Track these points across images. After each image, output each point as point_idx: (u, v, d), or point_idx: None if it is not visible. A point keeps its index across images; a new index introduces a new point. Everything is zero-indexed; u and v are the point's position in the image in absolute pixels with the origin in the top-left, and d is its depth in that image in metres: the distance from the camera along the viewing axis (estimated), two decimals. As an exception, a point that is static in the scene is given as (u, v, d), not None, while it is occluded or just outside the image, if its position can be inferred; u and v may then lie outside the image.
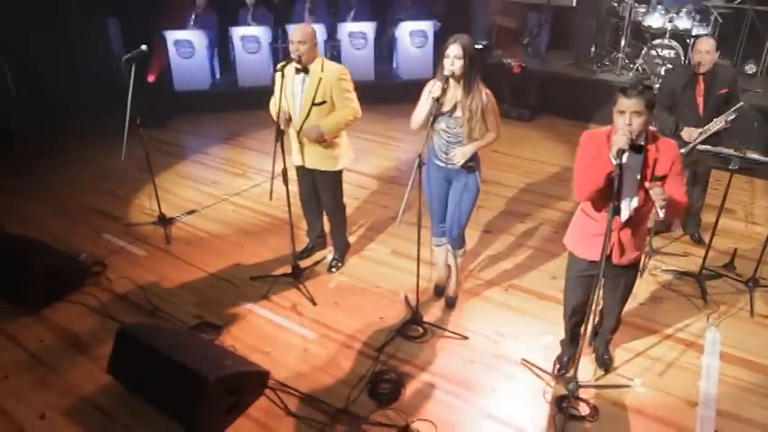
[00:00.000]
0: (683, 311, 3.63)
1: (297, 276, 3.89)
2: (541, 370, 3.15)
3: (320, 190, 3.86)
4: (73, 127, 6.75)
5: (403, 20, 7.36)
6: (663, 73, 6.42)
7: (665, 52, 6.43)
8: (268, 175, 5.33)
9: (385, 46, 7.84)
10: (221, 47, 7.48)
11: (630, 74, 6.75)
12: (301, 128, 3.60)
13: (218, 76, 7.49)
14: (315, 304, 3.72)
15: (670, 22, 6.44)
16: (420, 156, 2.98)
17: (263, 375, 3.01)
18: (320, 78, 3.46)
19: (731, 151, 3.49)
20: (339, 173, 3.82)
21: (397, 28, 7.34)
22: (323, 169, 3.73)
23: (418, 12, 7.59)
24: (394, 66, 7.78)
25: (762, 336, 3.43)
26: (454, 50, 2.98)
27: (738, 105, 3.75)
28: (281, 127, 3.47)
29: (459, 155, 3.17)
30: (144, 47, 4.20)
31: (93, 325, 3.54)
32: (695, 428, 2.81)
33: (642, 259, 3.34)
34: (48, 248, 3.94)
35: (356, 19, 7.45)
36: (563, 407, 2.87)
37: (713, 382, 3.09)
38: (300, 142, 3.68)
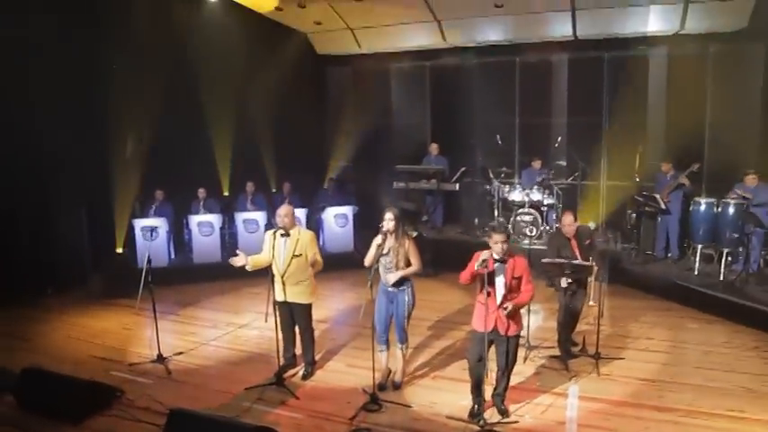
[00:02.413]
0: (553, 377, 5.59)
1: (280, 383, 5.46)
2: (460, 419, 4.88)
3: (296, 317, 5.65)
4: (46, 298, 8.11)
5: (326, 207, 9.80)
6: (527, 235, 9.13)
7: (527, 218, 9.23)
8: (235, 326, 7.13)
9: (313, 227, 10.10)
10: (176, 232, 9.39)
11: (505, 235, 9.43)
12: (285, 272, 5.49)
13: (173, 255, 9.28)
14: (297, 398, 5.27)
15: (527, 196, 9.35)
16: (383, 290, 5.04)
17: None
18: (297, 239, 5.50)
19: (562, 260, 5.75)
20: (310, 305, 5.68)
21: (323, 212, 9.74)
22: (300, 302, 5.57)
23: (338, 201, 10.12)
24: (321, 242, 10.01)
25: (605, 384, 5.42)
26: (389, 215, 5.17)
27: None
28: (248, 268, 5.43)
29: (392, 277, 5.20)
30: (158, 226, 6.08)
31: (128, 427, 4.82)
32: (564, 435, 4.63)
33: (520, 337, 5.33)
34: (76, 378, 5.26)
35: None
36: (481, 433, 4.60)
37: (574, 409, 4.98)
38: (284, 283, 5.53)
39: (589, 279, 6.13)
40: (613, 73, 9.74)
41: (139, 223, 8.75)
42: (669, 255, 8.54)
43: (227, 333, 6.99)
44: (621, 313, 7.19)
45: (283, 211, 5.53)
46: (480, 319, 4.72)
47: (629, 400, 5.11)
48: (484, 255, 4.55)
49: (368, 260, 5.28)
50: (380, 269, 5.28)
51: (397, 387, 5.43)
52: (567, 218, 6.01)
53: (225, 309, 7.96)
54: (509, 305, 4.58)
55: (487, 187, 9.98)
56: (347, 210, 9.78)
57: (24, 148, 7.68)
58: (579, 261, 5.75)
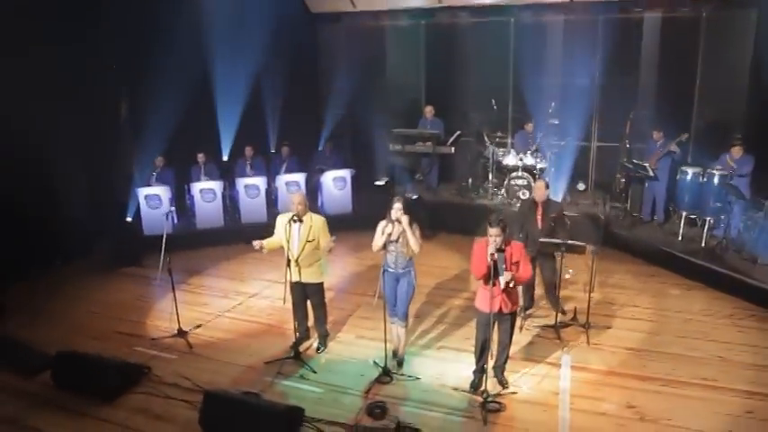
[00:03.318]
0: (547, 347, 6.18)
1: (297, 357, 5.98)
2: (466, 391, 5.46)
3: (310, 295, 6.10)
4: (57, 266, 8.43)
5: (324, 170, 10.09)
6: (520, 198, 9.57)
7: (520, 182, 9.63)
8: (245, 296, 7.56)
9: (311, 189, 10.39)
10: (178, 198, 9.66)
11: (498, 197, 9.86)
12: (299, 257, 5.88)
13: (176, 221, 9.57)
14: (314, 372, 5.81)
15: (520, 161, 9.72)
16: (388, 271, 5.52)
17: (301, 412, 5.02)
18: (311, 225, 5.86)
19: (559, 240, 6.27)
20: (322, 283, 6.12)
21: (322, 176, 10.04)
22: (314, 281, 6.01)
23: (335, 162, 10.39)
24: (319, 204, 10.35)
25: (594, 354, 6.02)
26: (398, 205, 5.54)
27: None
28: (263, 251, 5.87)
29: (402, 261, 5.63)
30: (173, 208, 6.40)
31: (160, 404, 5.34)
32: (558, 405, 5.23)
33: (519, 320, 5.88)
34: (107, 358, 5.72)
35: (288, 170, 10.09)
36: (484, 405, 5.17)
37: (567, 380, 5.58)
38: (298, 265, 5.93)
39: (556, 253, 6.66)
40: (608, 35, 9.90)
41: (143, 192, 9.01)
42: (655, 218, 9.07)
43: (239, 303, 7.45)
44: (610, 279, 7.75)
45: (297, 198, 5.86)
46: (485, 302, 5.20)
47: (616, 370, 5.73)
48: (490, 250, 4.99)
49: (375, 246, 5.68)
50: (388, 255, 5.69)
51: (400, 364, 5.95)
52: (540, 183, 6.62)
53: (231, 276, 8.40)
54: (508, 275, 5.02)
55: (482, 150, 10.30)
56: (345, 173, 10.08)
57: (23, 119, 7.76)
58: (573, 242, 6.25)
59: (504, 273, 5.01)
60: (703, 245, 7.93)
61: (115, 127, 9.11)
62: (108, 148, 8.92)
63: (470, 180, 10.66)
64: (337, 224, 9.80)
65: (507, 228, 5.16)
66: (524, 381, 5.62)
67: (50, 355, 5.84)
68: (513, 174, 9.72)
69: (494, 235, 5.02)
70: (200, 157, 9.67)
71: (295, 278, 6.00)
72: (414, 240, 5.56)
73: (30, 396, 5.50)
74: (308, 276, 6.00)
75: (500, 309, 5.18)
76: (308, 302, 6.21)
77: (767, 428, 4.81)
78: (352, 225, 9.87)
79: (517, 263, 5.17)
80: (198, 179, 9.62)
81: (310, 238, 5.87)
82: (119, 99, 9.14)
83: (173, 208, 6.41)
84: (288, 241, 5.81)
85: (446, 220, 9.88)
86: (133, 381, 5.61)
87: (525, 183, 9.60)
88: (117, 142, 9.08)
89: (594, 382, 5.56)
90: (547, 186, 6.66)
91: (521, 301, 6.22)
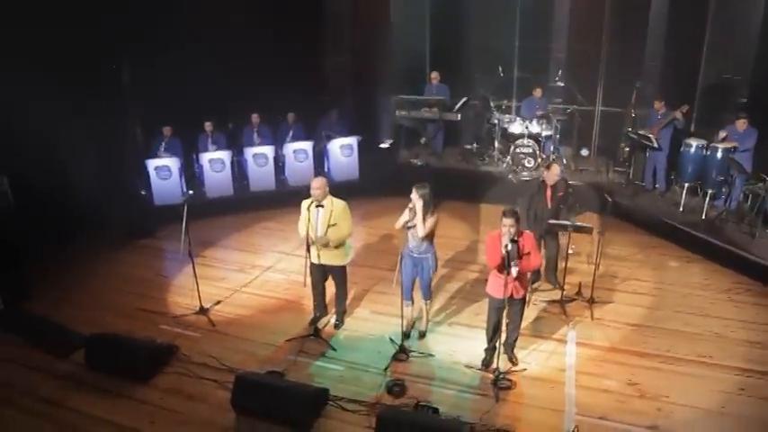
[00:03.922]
0: (554, 323, 6.58)
1: (317, 335, 6.35)
2: (478, 369, 5.86)
3: (333, 276, 6.40)
4: (72, 242, 8.64)
5: (331, 136, 10.21)
6: (525, 166, 9.78)
7: (526, 150, 9.82)
8: (260, 269, 7.85)
9: (318, 156, 10.53)
10: (187, 167, 9.81)
11: (504, 165, 10.06)
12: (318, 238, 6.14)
13: (184, 189, 9.75)
14: (334, 350, 6.19)
15: (526, 128, 9.88)
16: (408, 255, 5.81)
17: (326, 392, 5.43)
18: (331, 210, 6.09)
19: (567, 222, 6.58)
20: (345, 266, 6.41)
21: (329, 143, 10.17)
22: (336, 264, 6.29)
23: (341, 128, 10.50)
24: (326, 170, 10.54)
25: (598, 330, 6.42)
26: (416, 195, 5.76)
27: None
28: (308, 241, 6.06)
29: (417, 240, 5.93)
30: (191, 191, 6.59)
31: (192, 384, 5.72)
32: (564, 382, 5.65)
33: (527, 295, 6.23)
34: (139, 339, 6.07)
35: (295, 137, 10.21)
36: (495, 382, 5.58)
37: (572, 356, 6.00)
38: (317, 248, 6.20)
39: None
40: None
41: (152, 163, 9.16)
42: (657, 186, 9.34)
43: (256, 278, 7.76)
44: (612, 250, 8.07)
45: (317, 183, 6.04)
46: (498, 289, 5.52)
47: (618, 346, 6.14)
48: (504, 241, 5.27)
49: (396, 224, 5.99)
50: (410, 238, 5.98)
51: (422, 336, 6.38)
52: (555, 169, 6.79)
53: (244, 248, 8.69)
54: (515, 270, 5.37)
55: (488, 116, 10.42)
56: (352, 140, 10.22)
57: (26, 95, 7.81)
58: (581, 223, 6.54)
59: (514, 265, 5.31)
60: (704, 216, 8.24)
61: (118, 97, 9.14)
62: (113, 119, 8.99)
63: (475, 145, 10.84)
64: (345, 192, 10.13)
65: (519, 216, 5.44)
66: (533, 357, 6.02)
67: (82, 335, 6.20)
68: (519, 141, 9.90)
69: (508, 225, 5.28)
70: (208, 125, 9.77)
71: (315, 260, 6.27)
72: (420, 225, 5.83)
73: (65, 377, 5.84)
74: (330, 259, 6.26)
75: (512, 294, 5.51)
76: (327, 281, 6.52)
77: (758, 405, 5.25)
78: (359, 192, 10.15)
79: (529, 253, 5.47)
80: (206, 148, 9.76)
81: (332, 223, 6.10)
82: (119, 67, 9.13)
83: (190, 192, 6.60)
84: (309, 225, 6.05)
85: (451, 188, 10.09)
86: (164, 361, 5.98)
87: (530, 151, 9.80)
88: (121, 114, 9.13)
89: (598, 359, 5.98)
90: (560, 171, 6.88)
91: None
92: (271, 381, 5.37)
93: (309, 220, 6.04)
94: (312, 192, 6.05)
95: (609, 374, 5.73)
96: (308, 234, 6.04)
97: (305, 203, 6.18)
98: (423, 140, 10.98)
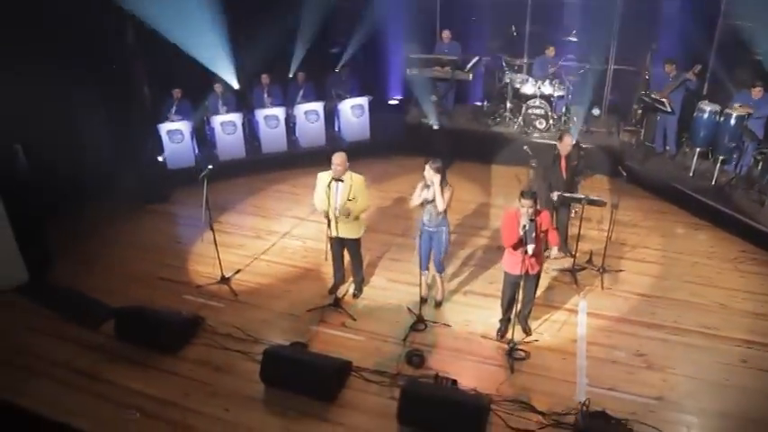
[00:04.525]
0: (566, 292, 6.84)
1: (337, 305, 6.62)
2: (493, 339, 6.16)
3: (349, 249, 6.60)
4: (88, 211, 8.75)
5: (344, 97, 10.19)
6: (536, 127, 9.82)
7: (538, 111, 9.83)
8: (278, 236, 8.05)
9: (328, 115, 10.52)
10: (198, 129, 9.84)
11: (515, 126, 10.09)
12: (338, 212, 6.30)
13: (196, 151, 9.82)
14: (354, 320, 6.48)
15: (539, 89, 9.85)
16: (423, 229, 6.01)
17: (350, 364, 5.73)
18: (350, 185, 6.22)
19: (581, 195, 6.74)
20: (360, 238, 6.60)
21: (340, 103, 10.17)
22: (352, 237, 6.48)
23: (352, 87, 10.46)
24: (336, 129, 10.57)
25: (607, 300, 6.70)
26: (429, 167, 5.88)
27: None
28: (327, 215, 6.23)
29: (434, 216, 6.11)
30: (210, 166, 6.70)
31: (220, 355, 6.01)
32: (576, 353, 5.96)
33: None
34: (166, 311, 6.33)
35: (305, 96, 10.19)
36: (510, 353, 5.88)
37: (583, 327, 6.29)
38: (337, 223, 6.36)
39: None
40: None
41: (164, 127, 9.20)
42: (667, 148, 9.43)
43: (273, 245, 7.96)
44: (623, 217, 8.19)
45: (338, 159, 6.13)
46: (515, 266, 5.74)
47: (627, 317, 6.42)
48: (523, 221, 5.44)
49: (412, 203, 6.15)
50: (425, 213, 6.14)
51: (438, 305, 6.66)
52: (568, 138, 6.87)
53: (259, 212, 8.87)
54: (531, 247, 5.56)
55: (500, 76, 10.35)
56: (363, 100, 10.20)
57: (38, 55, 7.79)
58: (595, 197, 6.71)
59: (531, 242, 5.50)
60: (714, 182, 8.38)
61: (124, 58, 9.03)
62: (120, 83, 8.92)
63: (486, 103, 10.83)
64: (356, 153, 10.20)
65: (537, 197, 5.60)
66: (545, 328, 6.31)
67: (111, 307, 6.46)
68: (531, 102, 9.89)
69: (526, 206, 5.44)
70: (218, 86, 9.73)
71: (334, 234, 6.45)
72: (440, 199, 5.97)
73: (97, 348, 6.11)
74: (347, 232, 6.44)
75: (527, 271, 5.73)
76: (345, 253, 6.74)
77: (759, 377, 5.57)
78: (371, 152, 10.25)
79: (546, 231, 5.66)
80: (216, 109, 9.76)
81: (350, 197, 6.24)
82: (123, 28, 8.98)
83: (210, 166, 6.68)
84: (329, 200, 6.20)
85: (462, 148, 10.16)
86: (192, 332, 6.26)
87: (542, 112, 9.81)
88: (127, 77, 9.04)
89: (607, 329, 6.27)
90: (573, 141, 6.96)
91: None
92: (297, 355, 5.65)
93: (329, 195, 6.19)
94: (334, 168, 6.15)
95: (618, 345, 6.03)
96: (328, 209, 6.20)
97: (322, 177, 6.29)
98: (433, 98, 10.94)
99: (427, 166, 5.92)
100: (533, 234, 5.51)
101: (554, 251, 5.74)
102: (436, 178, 5.90)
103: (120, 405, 5.36)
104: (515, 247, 5.63)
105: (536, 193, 5.53)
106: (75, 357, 5.96)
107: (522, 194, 5.47)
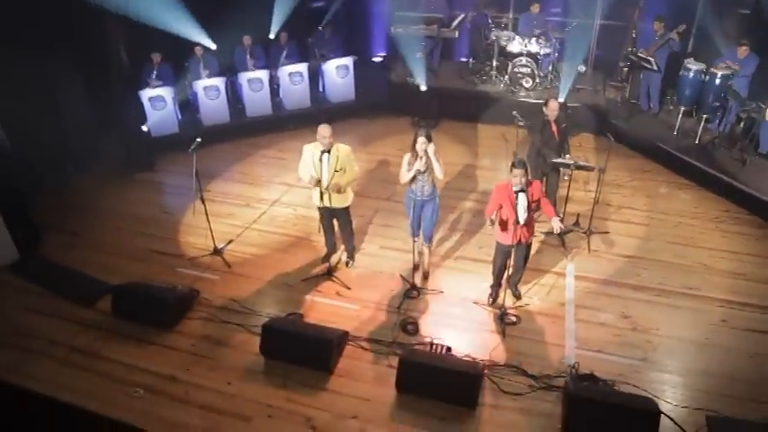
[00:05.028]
0: (553, 255, 7.03)
1: (330, 274, 6.74)
2: (483, 304, 6.35)
3: (339, 218, 6.66)
4: (73, 183, 8.65)
5: (328, 57, 10.04)
6: (522, 86, 9.82)
7: (524, 69, 9.80)
8: (267, 204, 8.07)
9: (312, 75, 10.37)
10: (179, 93, 9.65)
11: (502, 85, 10.07)
12: (328, 186, 6.33)
13: (179, 117, 9.67)
14: (349, 288, 6.61)
15: (525, 47, 9.79)
16: (413, 199, 6.06)
17: (346, 334, 5.90)
18: (338, 156, 6.23)
19: (571, 161, 6.84)
20: (349, 206, 6.65)
21: (324, 63, 10.02)
22: (342, 206, 6.53)
23: (336, 46, 10.29)
24: (321, 90, 10.45)
25: (594, 262, 6.90)
26: (422, 139, 5.89)
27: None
28: (313, 185, 6.25)
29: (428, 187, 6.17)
30: (199, 139, 6.64)
31: (218, 329, 6.12)
32: (564, 316, 6.18)
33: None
34: (158, 286, 6.39)
35: (288, 57, 10.01)
36: (502, 318, 6.09)
37: (571, 290, 6.50)
38: (327, 193, 6.39)
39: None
40: None
41: (146, 94, 9.02)
42: (651, 106, 9.51)
43: (263, 213, 7.99)
44: (608, 177, 8.25)
45: (326, 132, 6.07)
46: (507, 236, 5.86)
47: (613, 279, 6.64)
48: (515, 188, 5.52)
49: (402, 179, 6.16)
50: (414, 184, 6.18)
51: (426, 277, 6.78)
52: (553, 103, 6.90)
53: (247, 180, 8.84)
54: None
55: (486, 33, 10.24)
56: (348, 60, 10.06)
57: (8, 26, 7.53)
58: (583, 162, 6.81)
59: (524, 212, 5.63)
60: (697, 141, 8.53)
61: (99, 23, 8.76)
62: (97, 48, 8.69)
63: (471, 60, 10.75)
64: (341, 112, 10.18)
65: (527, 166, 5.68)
66: (535, 291, 6.52)
67: (105, 283, 6.51)
68: (517, 60, 9.85)
69: (518, 176, 5.53)
70: (198, 50, 9.51)
71: (324, 204, 6.49)
72: (438, 168, 6.03)
73: (95, 326, 6.16)
74: (337, 202, 6.47)
75: (520, 240, 5.87)
76: (336, 223, 6.80)
77: (737, 336, 5.85)
78: (356, 113, 10.21)
79: (537, 200, 5.77)
80: (198, 74, 9.57)
81: (338, 168, 6.25)
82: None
83: (199, 139, 6.61)
84: (318, 172, 6.21)
85: (448, 108, 10.14)
86: (188, 306, 6.34)
87: (528, 71, 9.78)
88: (105, 42, 8.79)
89: (594, 292, 6.49)
90: (561, 106, 7.00)
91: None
92: (295, 328, 5.79)
93: (315, 166, 6.19)
94: (321, 140, 6.13)
95: (605, 308, 6.27)
96: (319, 181, 6.21)
97: (308, 148, 6.28)
98: (418, 55, 10.82)
99: (420, 139, 5.92)
100: (525, 204, 5.64)
101: (555, 225, 5.79)
102: (430, 148, 5.93)
103: (122, 383, 5.48)
104: (503, 226, 5.74)
105: (526, 163, 5.60)
106: (74, 336, 6.02)
107: (513, 164, 5.55)
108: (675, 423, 4.92)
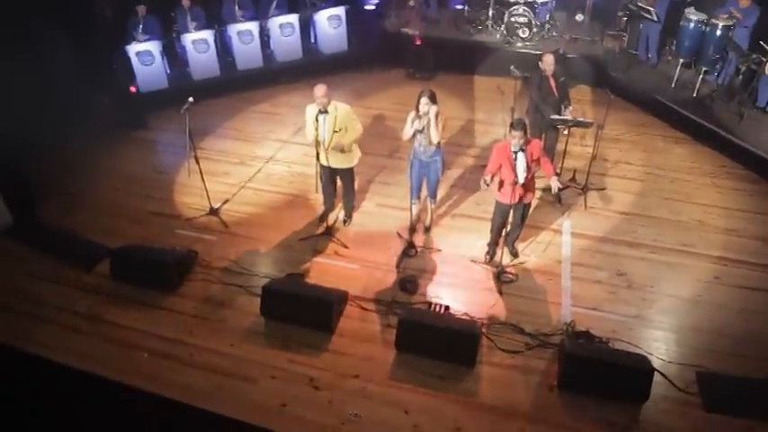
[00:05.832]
0: (550, 212, 7.10)
1: (329, 233, 6.79)
2: (481, 262, 6.45)
3: (341, 177, 6.65)
4: (65, 143, 8.45)
5: (319, 6, 9.78)
6: (519, 36, 9.65)
7: (521, 19, 9.61)
8: (262, 161, 8.03)
9: (304, 26, 10.12)
10: (169, 48, 9.43)
11: (498, 35, 9.90)
12: (329, 146, 6.29)
13: (168, 71, 9.47)
14: (347, 248, 6.68)
15: (522, -6, 9.60)
16: (415, 158, 6.08)
17: (346, 294, 6.00)
18: (336, 116, 6.17)
19: (569, 117, 6.82)
20: (353, 167, 6.63)
21: (316, 13, 9.77)
22: (344, 167, 6.52)
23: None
24: (312, 41, 10.23)
25: (591, 219, 6.99)
26: (425, 99, 5.86)
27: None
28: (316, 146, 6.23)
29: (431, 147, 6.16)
30: (191, 99, 6.54)
31: (219, 291, 6.20)
32: (561, 273, 6.31)
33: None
34: (157, 248, 6.42)
35: (278, 6, 9.74)
36: (499, 275, 6.21)
37: (568, 247, 6.61)
38: (328, 153, 6.36)
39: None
40: None
41: (132, 49, 8.79)
42: (650, 56, 9.42)
43: (259, 171, 7.96)
44: (606, 131, 8.33)
45: (321, 91, 6.00)
46: (506, 196, 5.91)
47: (609, 236, 6.74)
48: (513, 149, 5.54)
49: (405, 136, 6.16)
50: (416, 143, 6.18)
51: (428, 230, 6.88)
52: (548, 57, 6.85)
53: (240, 136, 8.76)
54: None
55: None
56: (340, 10, 9.82)
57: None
58: (582, 118, 6.79)
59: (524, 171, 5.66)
60: (695, 94, 8.50)
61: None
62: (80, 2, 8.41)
63: (467, 7, 10.52)
64: (334, 64, 10.00)
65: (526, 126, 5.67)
66: (532, 249, 6.62)
67: (103, 246, 6.53)
68: (513, 9, 9.65)
69: (517, 136, 5.53)
70: (185, 1, 9.22)
71: (325, 163, 6.47)
72: (435, 132, 6.03)
73: (96, 290, 6.19)
74: (339, 162, 6.46)
75: (519, 199, 5.92)
76: (337, 181, 6.79)
77: (730, 293, 6.00)
78: (349, 66, 10.03)
79: (537, 159, 5.79)
80: (185, 26, 9.32)
81: (337, 128, 6.21)
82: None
83: (191, 99, 6.50)
84: (317, 132, 6.17)
85: (443, 59, 9.99)
86: (188, 268, 6.39)
87: (525, 20, 9.60)
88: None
89: (591, 249, 6.60)
90: (557, 59, 6.92)
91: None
92: (295, 289, 5.87)
93: (317, 128, 6.15)
94: (317, 100, 6.06)
95: (601, 265, 6.39)
96: (317, 141, 6.18)
97: (309, 108, 6.22)
98: (411, 3, 10.60)
99: (423, 99, 5.88)
100: (525, 164, 5.66)
101: (554, 184, 5.83)
102: (432, 109, 5.90)
103: (127, 346, 5.57)
104: (508, 177, 5.77)
105: (525, 123, 5.58)
106: (77, 300, 6.05)
107: (512, 125, 5.54)
108: (667, 379, 5.12)
